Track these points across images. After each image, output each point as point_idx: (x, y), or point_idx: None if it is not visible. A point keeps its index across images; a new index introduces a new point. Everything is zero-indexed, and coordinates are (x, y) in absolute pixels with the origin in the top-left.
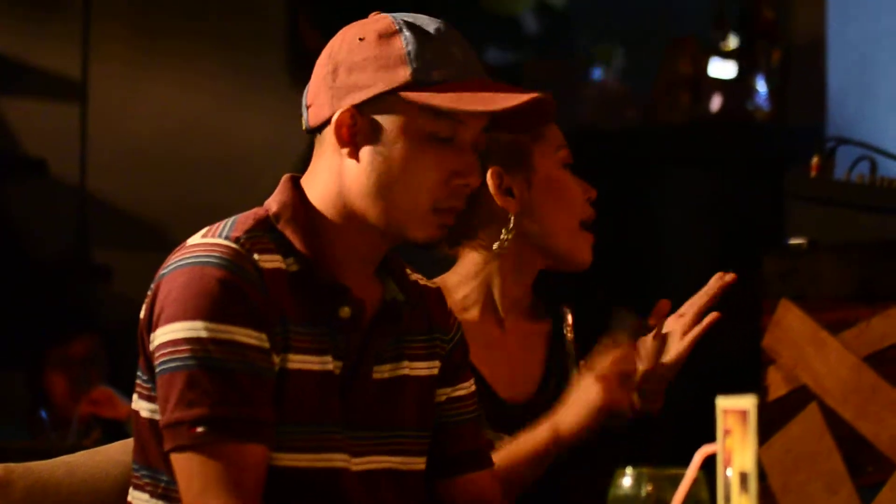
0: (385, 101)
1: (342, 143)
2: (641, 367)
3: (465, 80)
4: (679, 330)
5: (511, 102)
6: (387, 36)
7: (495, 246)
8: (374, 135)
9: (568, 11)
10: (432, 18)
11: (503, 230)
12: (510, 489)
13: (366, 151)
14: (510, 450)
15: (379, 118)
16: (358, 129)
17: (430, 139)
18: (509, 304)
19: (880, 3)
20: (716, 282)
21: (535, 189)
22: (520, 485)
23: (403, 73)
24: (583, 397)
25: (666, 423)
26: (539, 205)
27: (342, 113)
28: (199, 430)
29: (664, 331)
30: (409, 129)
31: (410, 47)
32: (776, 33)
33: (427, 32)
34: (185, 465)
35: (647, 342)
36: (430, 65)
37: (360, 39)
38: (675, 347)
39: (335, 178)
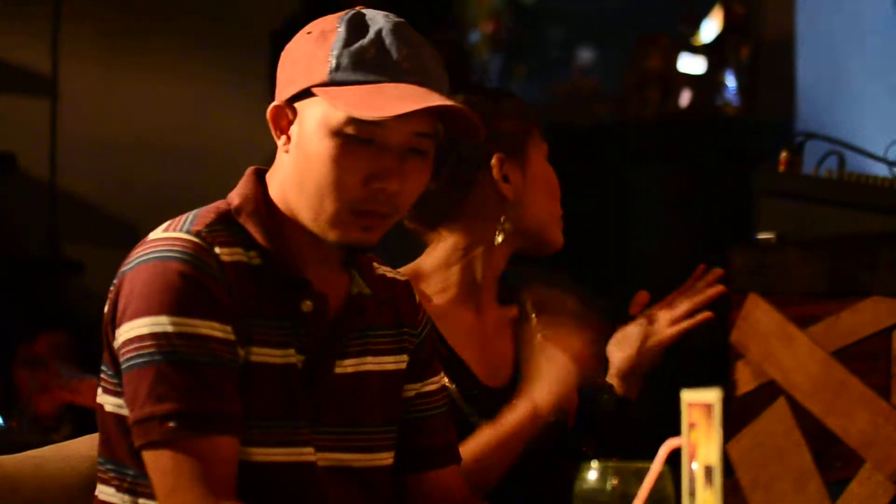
0: (309, 98)
1: (276, 136)
2: (624, 352)
3: (388, 82)
4: (666, 319)
5: (400, 110)
6: (326, 32)
7: (499, 235)
8: (297, 130)
9: (537, 7)
10: (391, 17)
11: (502, 217)
12: (491, 469)
13: (292, 146)
14: (491, 429)
15: (301, 114)
16: (287, 123)
17: (349, 139)
18: (485, 290)
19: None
20: (703, 277)
21: (528, 178)
22: (501, 465)
23: (322, 70)
24: (552, 370)
25: (642, 410)
26: (530, 193)
27: (273, 107)
28: (170, 425)
29: (650, 318)
30: (325, 126)
31: (337, 44)
32: (746, 28)
33: (366, 30)
34: (157, 461)
35: (629, 329)
36: (353, 64)
37: (308, 33)
38: (661, 334)
39: (281, 170)
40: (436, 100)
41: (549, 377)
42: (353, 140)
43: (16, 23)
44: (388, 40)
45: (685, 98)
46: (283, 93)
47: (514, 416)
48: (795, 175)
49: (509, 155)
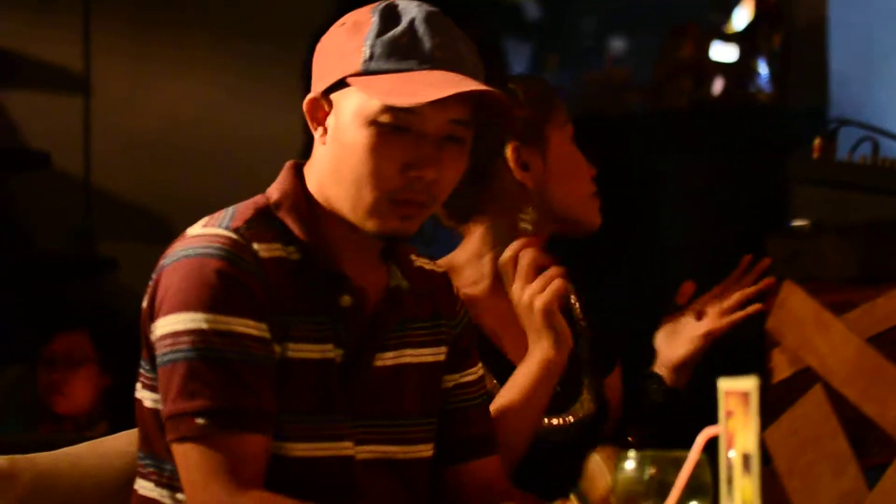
0: (344, 88)
1: (313, 128)
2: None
3: (421, 70)
4: (717, 311)
5: (433, 96)
6: (359, 23)
7: (523, 225)
8: (334, 121)
9: None
10: (424, 6)
11: (526, 206)
12: (518, 433)
13: (329, 138)
14: (510, 393)
15: (337, 105)
16: (323, 115)
17: (386, 128)
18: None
19: None
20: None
21: (550, 163)
22: (528, 426)
23: (356, 60)
24: (534, 320)
25: (690, 400)
26: (554, 177)
27: (308, 99)
28: (201, 421)
29: (699, 310)
30: (362, 116)
31: (371, 34)
32: (778, 15)
33: (398, 19)
34: (187, 456)
35: (679, 321)
36: (386, 53)
37: (342, 25)
38: (712, 325)
39: (318, 163)
40: (469, 85)
41: (539, 326)
42: (390, 129)
43: (46, 20)
44: (421, 29)
45: (718, 86)
46: (318, 85)
47: (526, 369)
48: (829, 162)
49: (526, 142)
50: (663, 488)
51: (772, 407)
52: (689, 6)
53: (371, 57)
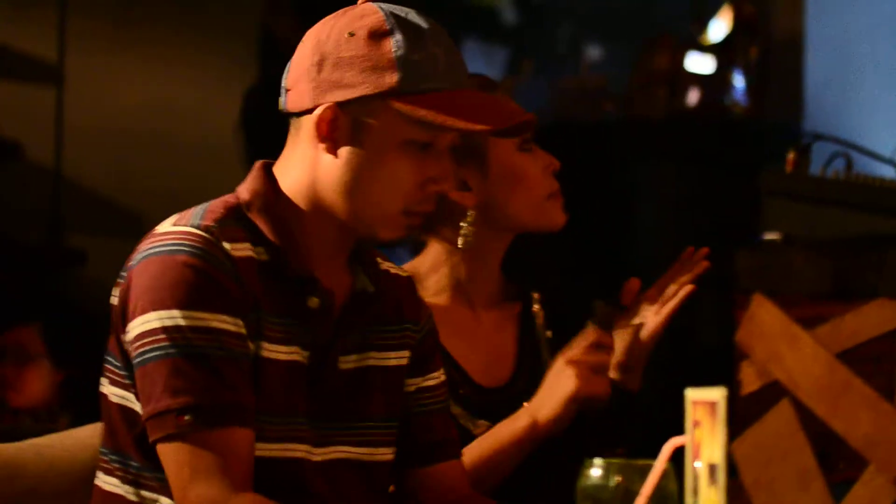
0: (369, 103)
1: (321, 137)
2: (618, 344)
3: (446, 88)
4: (655, 305)
5: (498, 124)
6: (378, 35)
7: (460, 242)
8: (354, 134)
9: (546, 3)
10: (421, 15)
11: (463, 224)
12: (489, 478)
13: (344, 149)
14: (489, 439)
15: (361, 119)
16: (338, 126)
17: (409, 145)
18: (478, 290)
19: (859, 1)
20: (690, 259)
21: (492, 178)
22: (498, 474)
23: (391, 79)
24: (558, 387)
25: (643, 404)
26: (497, 193)
27: (325, 108)
28: (186, 418)
29: (640, 308)
30: (390, 133)
31: (401, 52)
32: (755, 28)
33: (418, 35)
34: (174, 454)
35: (622, 320)
36: (418, 72)
37: (350, 34)
38: (652, 321)
39: (309, 168)
40: (521, 113)
41: (555, 395)
42: (416, 145)
43: (22, 11)
44: (439, 43)
45: (693, 97)
46: (330, 96)
47: (511, 426)
48: (803, 176)
49: (463, 160)
50: (629, 497)
51: (739, 419)
52: (666, 16)
53: (406, 76)
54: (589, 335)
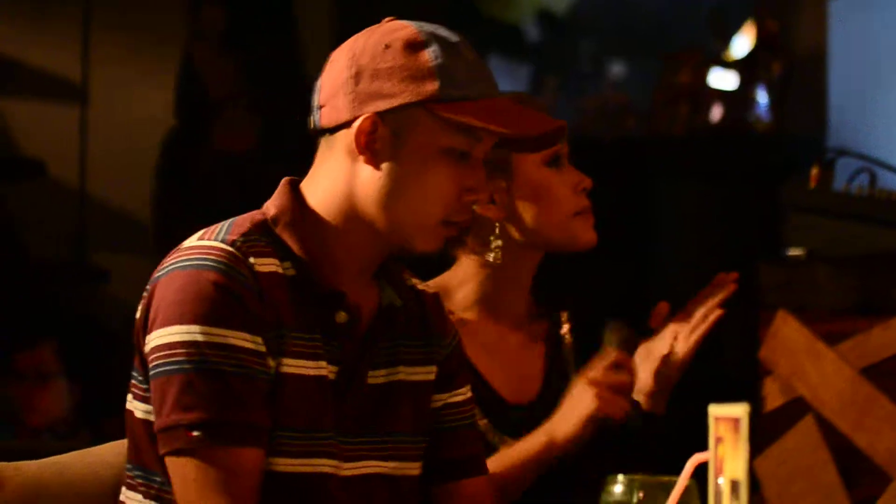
0: (409, 112)
1: (360, 149)
2: (647, 368)
3: (484, 97)
4: (685, 330)
5: (538, 129)
6: (414, 46)
7: (490, 257)
8: (394, 144)
9: (569, 20)
10: (450, 31)
11: (492, 238)
12: (504, 496)
13: (384, 159)
14: (505, 456)
15: (401, 128)
16: (378, 137)
17: (448, 153)
18: (506, 307)
19: (883, 17)
20: (720, 284)
21: (518, 194)
22: (514, 491)
23: (431, 87)
24: (576, 406)
25: (669, 426)
26: (523, 209)
27: (365, 119)
28: (196, 434)
29: (669, 332)
30: (430, 141)
31: (439, 60)
32: (778, 44)
33: (451, 45)
34: (182, 469)
35: (652, 344)
36: (456, 80)
37: (386, 46)
38: (681, 347)
39: (343, 182)
40: (556, 120)
41: (573, 414)
42: (455, 154)
43: (46, 30)
44: (469, 55)
45: (716, 113)
46: (369, 106)
47: (528, 444)
48: (826, 191)
49: (488, 175)
50: None
51: (763, 435)
52: (689, 33)
53: (446, 84)
54: (608, 355)
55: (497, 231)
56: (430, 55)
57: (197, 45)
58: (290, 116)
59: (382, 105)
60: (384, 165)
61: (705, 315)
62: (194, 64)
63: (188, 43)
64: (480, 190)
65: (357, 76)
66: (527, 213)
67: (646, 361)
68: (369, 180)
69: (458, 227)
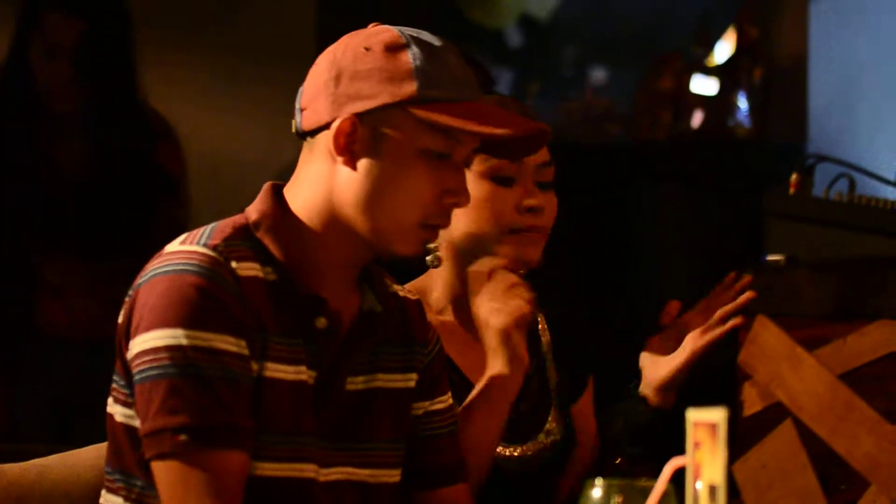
0: (388, 113)
1: (339, 150)
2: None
3: (464, 100)
4: (699, 328)
5: (517, 129)
6: (394, 49)
7: (427, 260)
8: (372, 145)
9: (552, 26)
10: (433, 35)
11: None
12: (478, 451)
13: (362, 161)
14: (464, 412)
15: (380, 129)
16: (357, 138)
17: (427, 155)
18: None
19: (863, 23)
20: (731, 284)
21: None
22: (488, 443)
23: (410, 88)
24: (492, 337)
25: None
26: (457, 218)
27: (343, 120)
28: (182, 437)
29: (682, 328)
30: (409, 143)
31: (418, 62)
32: (759, 50)
33: (433, 49)
34: (167, 473)
35: (662, 341)
36: (435, 82)
37: (366, 49)
38: (694, 343)
39: (324, 185)
40: (535, 123)
41: (495, 345)
42: (433, 155)
43: None
44: (452, 59)
45: (697, 119)
46: (347, 108)
47: (480, 388)
48: (805, 197)
49: None
50: None
51: (741, 440)
52: (670, 38)
53: (423, 85)
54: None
55: (451, 238)
56: (409, 57)
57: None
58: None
59: (361, 106)
60: (362, 167)
61: (722, 318)
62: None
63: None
64: (460, 192)
65: (337, 78)
66: (460, 221)
67: (655, 358)
68: (348, 182)
69: (437, 231)
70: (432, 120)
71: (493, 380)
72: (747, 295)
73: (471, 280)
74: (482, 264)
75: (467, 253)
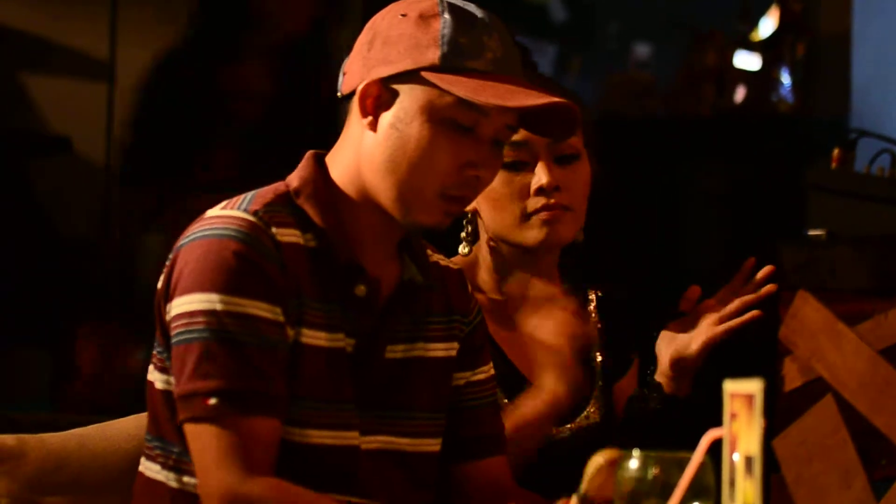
0: (412, 79)
1: (364, 113)
2: (671, 351)
3: (495, 74)
4: (714, 317)
5: (529, 102)
6: (428, 16)
7: (461, 249)
8: (395, 110)
9: (595, 1)
10: (481, 9)
11: (465, 229)
12: (515, 457)
13: (384, 125)
14: (509, 420)
15: (402, 95)
16: (381, 102)
17: (450, 125)
18: (525, 287)
19: None
20: (762, 279)
21: (480, 196)
22: (525, 451)
23: (432, 55)
24: (550, 356)
25: (691, 408)
26: (481, 207)
27: (367, 83)
28: (213, 402)
29: (698, 316)
30: (430, 110)
31: (446, 31)
32: (802, 26)
33: (471, 20)
34: (198, 436)
35: (678, 327)
36: (462, 52)
37: (403, 15)
38: (708, 333)
39: (355, 150)
40: (554, 96)
41: (552, 364)
42: (456, 126)
43: (73, 7)
44: (492, 33)
45: (740, 94)
46: (374, 72)
47: (532, 402)
48: (847, 172)
49: None
50: (666, 489)
51: (782, 416)
52: (714, 14)
53: (449, 53)
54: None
55: (468, 219)
56: (439, 24)
57: None
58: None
59: (386, 70)
60: (384, 132)
61: (738, 309)
62: None
63: None
64: (482, 165)
65: (371, 42)
66: (484, 212)
67: (669, 343)
68: (372, 147)
69: (462, 203)
70: (444, 87)
71: (547, 395)
72: (767, 288)
73: (510, 299)
74: (517, 282)
75: (502, 243)
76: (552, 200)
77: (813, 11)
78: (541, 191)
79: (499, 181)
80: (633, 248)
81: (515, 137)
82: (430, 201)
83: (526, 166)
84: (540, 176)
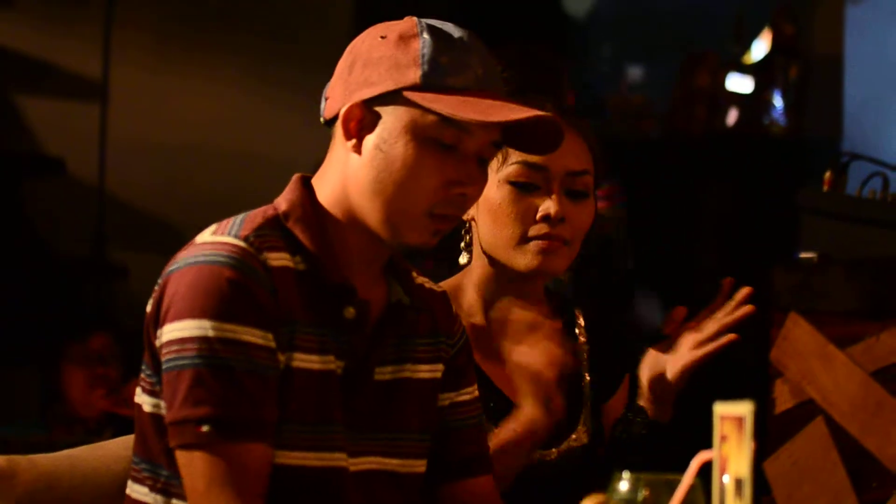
0: (393, 99)
1: (347, 136)
2: (651, 375)
3: (473, 89)
4: (693, 341)
5: (511, 116)
6: (407, 37)
7: (460, 259)
8: (379, 131)
9: (589, 23)
10: (459, 27)
11: (463, 241)
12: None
13: (368, 147)
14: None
15: (385, 116)
16: (364, 125)
17: (433, 144)
18: (502, 311)
19: None
20: (739, 303)
21: (479, 206)
22: (504, 477)
23: (413, 75)
24: (530, 382)
25: (675, 432)
26: (481, 219)
27: (350, 106)
28: (205, 429)
29: (678, 339)
30: (413, 129)
31: (426, 50)
32: (794, 49)
33: (449, 39)
34: (190, 463)
35: (658, 350)
36: (443, 70)
37: (382, 37)
38: (688, 357)
39: (340, 173)
40: (535, 111)
41: (532, 391)
42: (440, 145)
43: (67, 28)
44: (471, 51)
45: (732, 116)
46: (356, 94)
47: (512, 427)
48: (839, 195)
49: None
50: None
51: (773, 438)
52: (707, 36)
53: (429, 73)
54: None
55: (466, 229)
56: (419, 44)
57: None
58: None
59: (367, 93)
60: (368, 153)
61: (717, 333)
62: None
63: None
64: (468, 183)
65: (352, 66)
66: (483, 224)
67: (650, 367)
68: (357, 169)
69: (449, 222)
70: (426, 106)
71: (526, 421)
72: (744, 310)
73: (495, 325)
74: (501, 308)
75: (492, 259)
76: (554, 231)
77: (805, 35)
78: (546, 218)
79: (504, 197)
80: (624, 268)
81: (535, 160)
82: (418, 221)
83: (536, 190)
84: (550, 204)
